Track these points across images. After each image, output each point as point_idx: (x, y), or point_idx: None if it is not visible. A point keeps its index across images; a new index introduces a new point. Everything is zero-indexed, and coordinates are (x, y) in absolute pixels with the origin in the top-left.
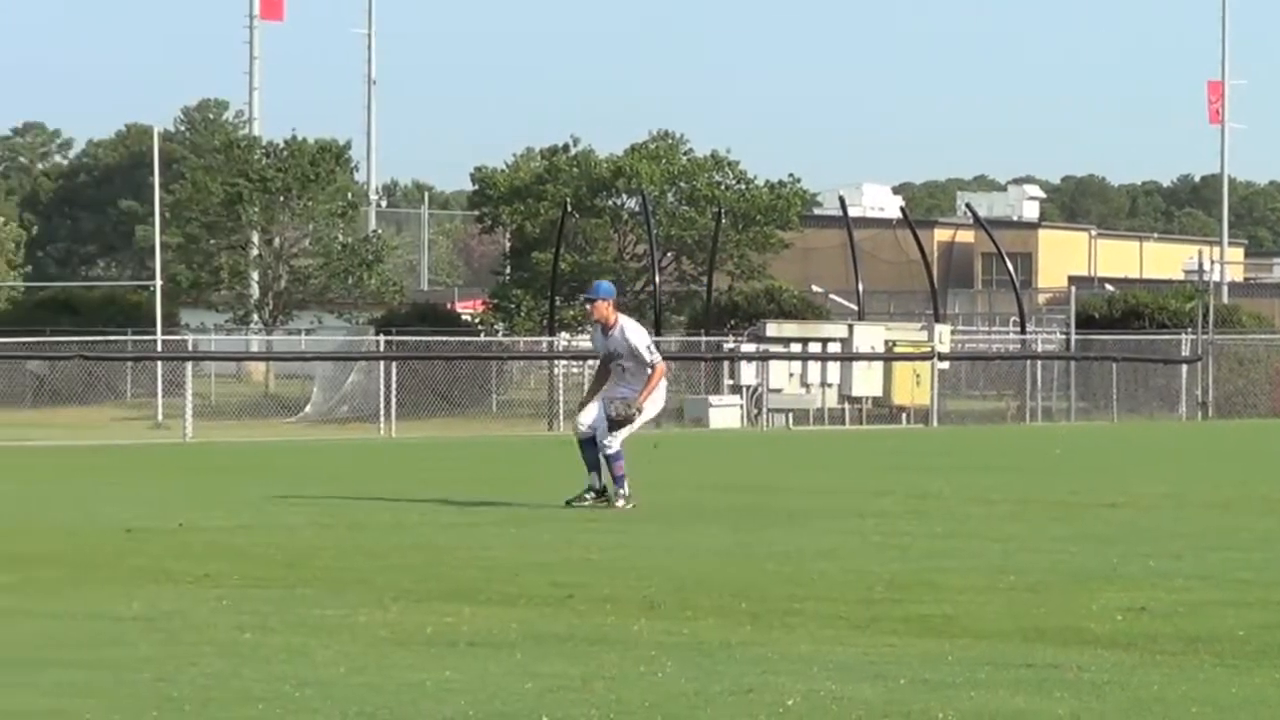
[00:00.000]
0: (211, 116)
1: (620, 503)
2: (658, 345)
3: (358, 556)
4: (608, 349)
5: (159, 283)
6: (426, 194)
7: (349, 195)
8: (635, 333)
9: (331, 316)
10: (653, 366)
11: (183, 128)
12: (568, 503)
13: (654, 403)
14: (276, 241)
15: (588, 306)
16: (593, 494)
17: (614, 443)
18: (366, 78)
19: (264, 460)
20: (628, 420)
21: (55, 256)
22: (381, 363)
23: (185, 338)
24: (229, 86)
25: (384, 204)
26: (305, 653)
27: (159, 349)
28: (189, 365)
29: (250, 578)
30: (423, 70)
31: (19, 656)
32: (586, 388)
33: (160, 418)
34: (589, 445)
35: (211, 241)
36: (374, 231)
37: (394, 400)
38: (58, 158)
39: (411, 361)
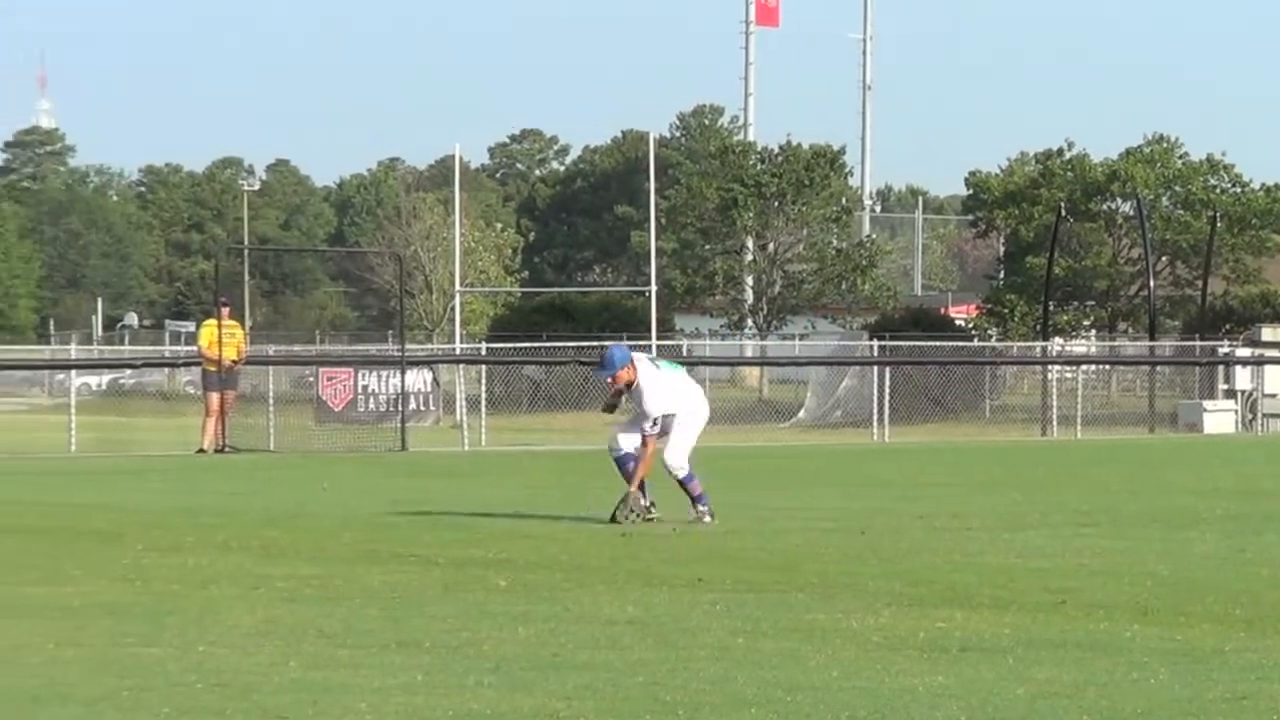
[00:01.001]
0: (707, 122)
1: (707, 519)
2: (658, 423)
3: (850, 561)
4: (630, 398)
5: (654, 288)
6: (920, 198)
7: (843, 200)
8: (650, 400)
9: (825, 321)
10: (644, 440)
11: (678, 133)
12: (612, 519)
13: (683, 430)
14: (771, 247)
15: (607, 380)
16: (648, 507)
17: (682, 467)
18: (861, 83)
19: (757, 465)
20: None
21: (551, 262)
22: (875, 367)
23: (680, 343)
24: (724, 92)
25: (878, 209)
26: (798, 657)
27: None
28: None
29: (742, 582)
30: (918, 74)
31: (518, 660)
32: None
33: None
34: (620, 462)
35: (706, 247)
36: (868, 236)
37: (887, 405)
38: (555, 164)
39: (905, 366)
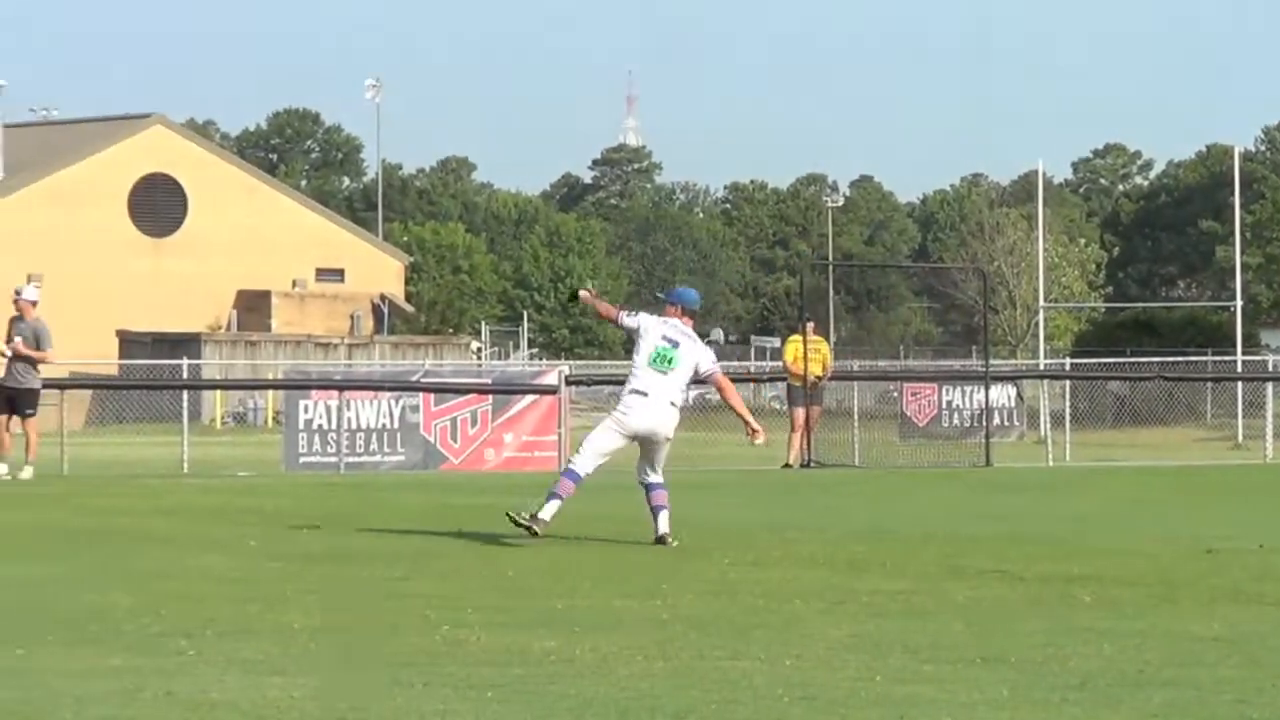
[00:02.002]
0: None
1: (524, 520)
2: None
3: None
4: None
5: (1239, 303)
6: None
7: None
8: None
9: None
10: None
11: (1263, 147)
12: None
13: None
14: None
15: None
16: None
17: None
18: None
19: None
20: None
21: (1135, 277)
22: None
23: (1265, 358)
24: None
25: None
26: None
27: (1238, 370)
28: (1269, 386)
29: None
30: None
31: (1103, 675)
32: None
33: (1240, 439)
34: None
35: None
36: None
37: None
38: (1138, 179)
39: None
